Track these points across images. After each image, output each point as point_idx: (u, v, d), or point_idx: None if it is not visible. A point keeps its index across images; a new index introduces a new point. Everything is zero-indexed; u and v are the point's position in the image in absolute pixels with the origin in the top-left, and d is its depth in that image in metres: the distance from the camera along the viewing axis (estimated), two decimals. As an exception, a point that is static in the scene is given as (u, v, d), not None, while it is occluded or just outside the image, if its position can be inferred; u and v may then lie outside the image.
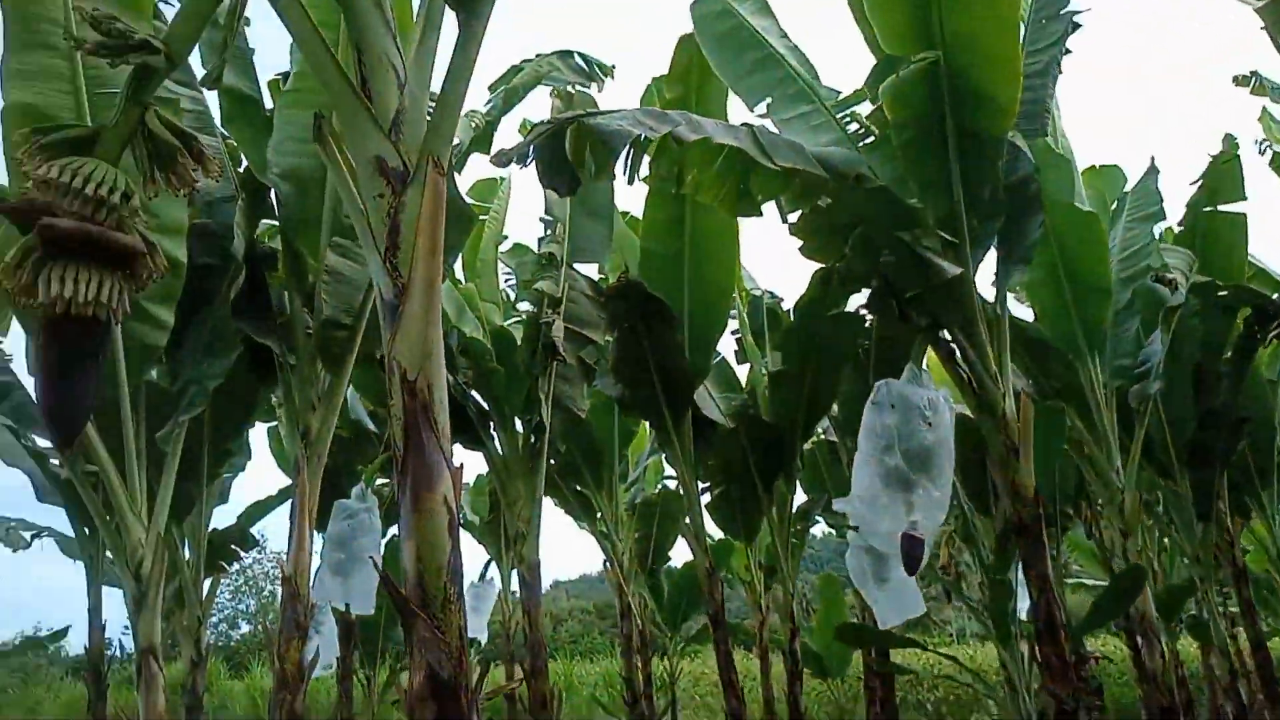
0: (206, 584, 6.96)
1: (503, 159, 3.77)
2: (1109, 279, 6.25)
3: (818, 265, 6.86)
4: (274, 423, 9.52)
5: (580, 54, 5.97)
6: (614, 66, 6.43)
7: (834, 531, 11.61)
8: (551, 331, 5.90)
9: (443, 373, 2.30)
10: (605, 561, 9.54)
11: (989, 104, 4.50)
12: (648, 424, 9.77)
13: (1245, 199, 7.37)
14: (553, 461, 9.28)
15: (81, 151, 1.93)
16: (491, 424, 6.27)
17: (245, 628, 27.26)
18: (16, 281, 1.81)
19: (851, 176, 4.13)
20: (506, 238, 7.47)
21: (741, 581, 11.06)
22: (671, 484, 12.92)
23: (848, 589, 11.79)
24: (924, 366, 5.20)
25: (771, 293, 8.39)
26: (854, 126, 5.37)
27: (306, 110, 4.87)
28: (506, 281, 7.41)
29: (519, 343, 6.37)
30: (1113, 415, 6.63)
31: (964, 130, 4.58)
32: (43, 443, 8.04)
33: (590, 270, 6.85)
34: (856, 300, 7.63)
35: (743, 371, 8.32)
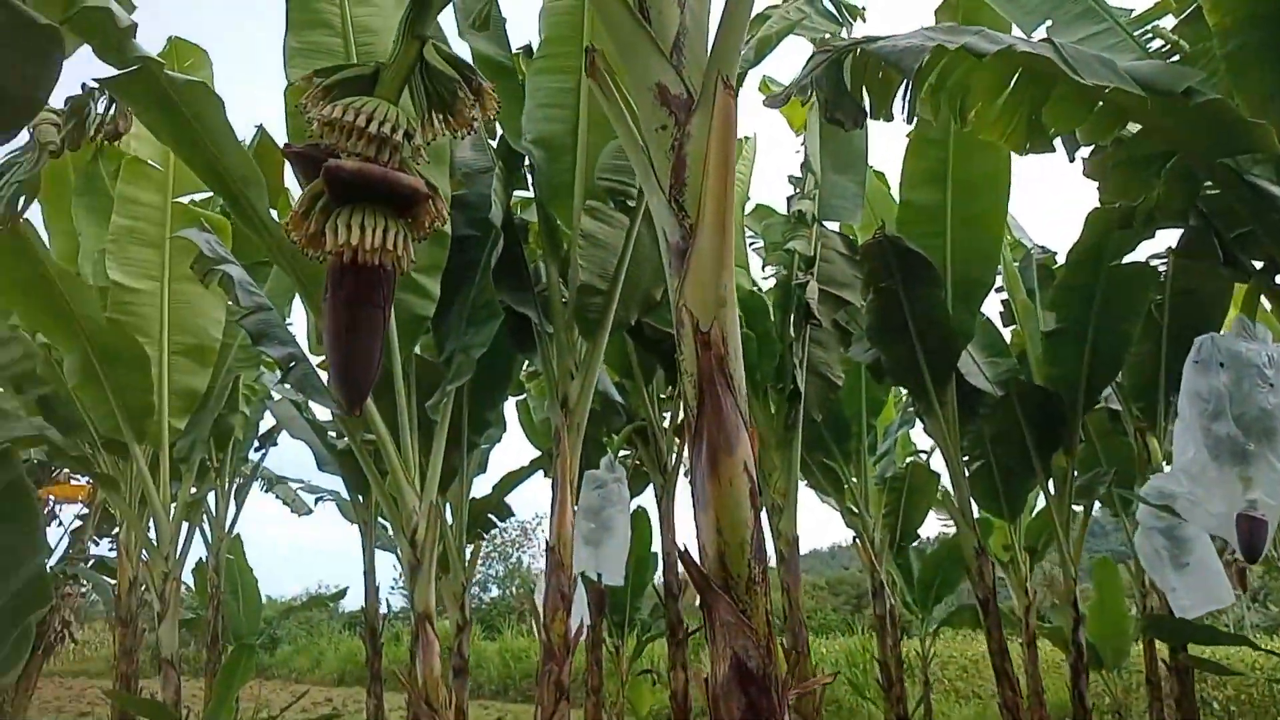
0: (468, 551, 7.22)
1: (779, 98, 3.46)
2: None
3: (1091, 209, 6.08)
4: (521, 396, 9.81)
5: (828, -7, 5.54)
6: (864, 8, 5.95)
7: (1108, 510, 10.50)
8: (805, 293, 5.55)
9: (736, 323, 2.04)
10: (855, 538, 9.10)
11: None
12: (903, 393, 9.24)
13: None
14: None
15: (361, 91, 1.83)
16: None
17: (495, 591, 28.96)
18: (304, 230, 1.73)
19: (1179, 92, 3.47)
20: (749, 199, 7.17)
21: (1000, 562, 10.28)
22: (920, 458, 12.28)
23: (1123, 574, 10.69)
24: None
25: (1043, 247, 7.57)
26: (1156, 44, 4.62)
27: (556, 77, 4.80)
28: (752, 246, 7.12)
29: (770, 308, 6.07)
30: None
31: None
32: (322, 415, 8.68)
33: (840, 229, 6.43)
34: (1145, 249, 6.74)
35: (1008, 334, 7.58)
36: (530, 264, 5.24)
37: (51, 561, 10.69)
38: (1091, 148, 4.25)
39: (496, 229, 4.63)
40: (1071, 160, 4.48)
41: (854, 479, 8.94)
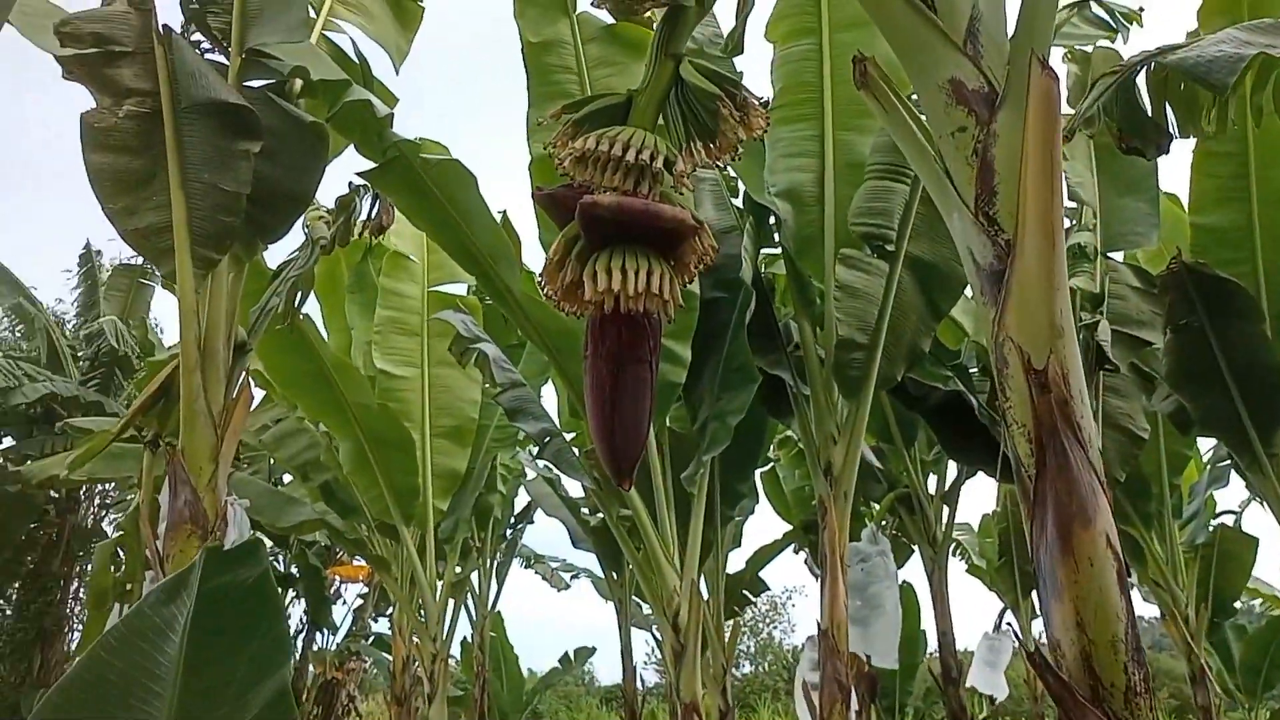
0: (728, 629, 6.88)
1: (1067, 130, 3.00)
2: None
3: None
4: (768, 465, 9.44)
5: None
6: (1142, 10, 5.29)
7: None
8: (1095, 335, 4.86)
9: (1079, 360, 1.62)
10: (1160, 615, 7.88)
11: None
12: (1204, 445, 8.04)
13: None
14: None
15: (614, 122, 1.64)
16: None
17: (747, 668, 28.15)
18: (559, 283, 1.54)
19: None
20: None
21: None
22: (1229, 519, 10.64)
23: None
24: None
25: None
26: None
27: (796, 126, 4.56)
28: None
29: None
30: None
31: None
32: (574, 491, 8.74)
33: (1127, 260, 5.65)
34: None
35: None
36: (780, 322, 4.95)
37: (338, 638, 11.45)
38: None
39: (747, 288, 4.40)
40: None
41: (1157, 546, 7.78)
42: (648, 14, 1.78)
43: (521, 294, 3.74)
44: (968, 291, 5.89)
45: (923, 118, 1.91)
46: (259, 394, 6.23)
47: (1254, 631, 9.74)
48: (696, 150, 1.72)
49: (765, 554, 8.77)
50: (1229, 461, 6.72)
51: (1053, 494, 1.52)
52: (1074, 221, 5.72)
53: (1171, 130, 3.14)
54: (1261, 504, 8.52)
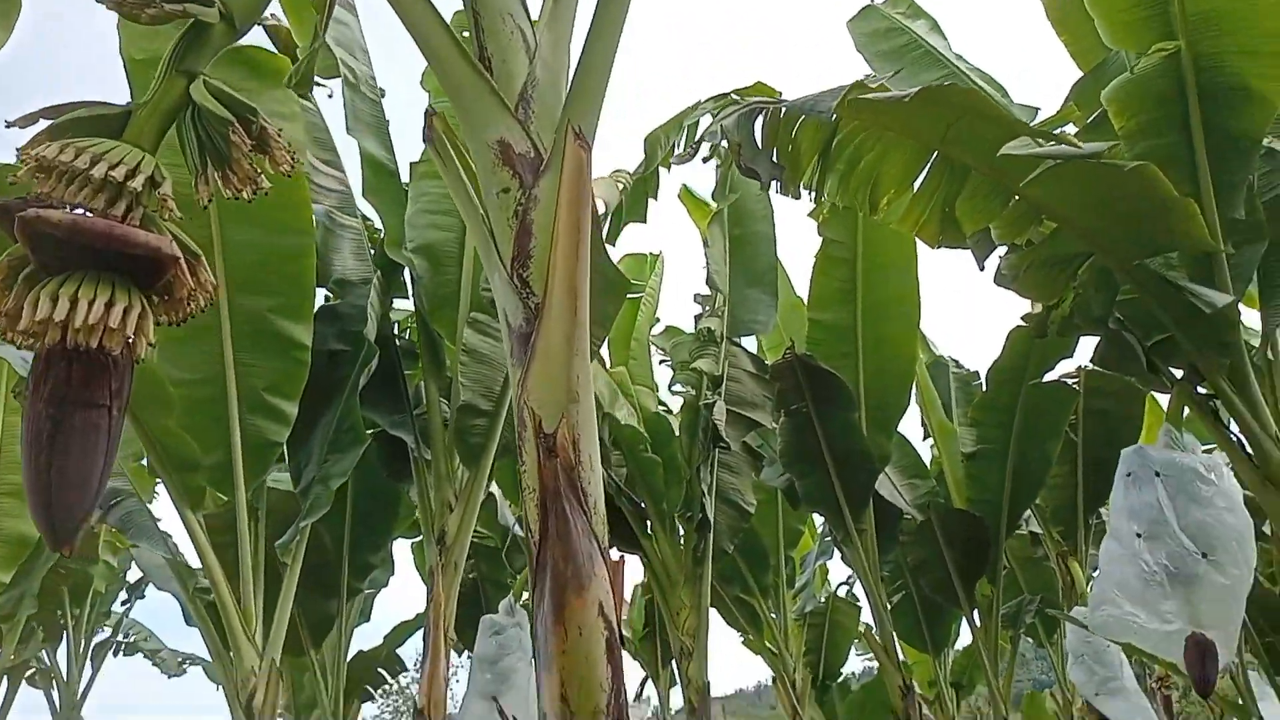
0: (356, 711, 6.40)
1: (684, 157, 3.17)
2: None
3: (1012, 326, 5.97)
4: (418, 536, 9.12)
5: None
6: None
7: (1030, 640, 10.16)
8: (713, 414, 5.20)
9: (594, 426, 1.63)
10: (773, 679, 8.49)
11: (1245, 100, 3.63)
12: (818, 521, 8.86)
13: None
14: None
15: (108, 133, 1.43)
16: (648, 524, 5.54)
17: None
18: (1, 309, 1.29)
19: (1101, 156, 3.28)
20: (659, 320, 6.90)
21: (924, 700, 9.79)
22: (841, 590, 11.80)
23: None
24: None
25: (956, 360, 7.44)
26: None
27: (439, 180, 4.49)
28: (663, 362, 6.78)
29: (676, 431, 5.69)
30: None
31: (1215, 133, 3.70)
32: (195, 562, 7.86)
33: (752, 347, 6.15)
34: (1063, 366, 6.62)
35: (926, 454, 7.32)
36: (413, 384, 4.79)
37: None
38: (1003, 251, 4.09)
39: (370, 344, 4.20)
40: (981, 268, 4.31)
41: (773, 615, 8.41)
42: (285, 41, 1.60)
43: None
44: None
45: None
46: None
47: (850, 697, 10.74)
48: (213, 178, 1.55)
49: (404, 630, 8.37)
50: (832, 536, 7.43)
51: (551, 560, 1.49)
52: (707, 307, 6.16)
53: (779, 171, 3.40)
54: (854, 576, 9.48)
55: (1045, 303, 4.07)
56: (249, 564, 3.56)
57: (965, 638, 9.28)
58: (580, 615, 1.47)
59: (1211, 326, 3.87)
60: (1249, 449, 3.89)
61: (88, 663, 8.99)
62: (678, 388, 5.65)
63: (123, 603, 9.77)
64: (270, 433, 3.75)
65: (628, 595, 12.36)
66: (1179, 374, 4.04)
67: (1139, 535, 3.39)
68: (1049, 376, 6.03)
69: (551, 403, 1.57)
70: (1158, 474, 3.48)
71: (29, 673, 9.63)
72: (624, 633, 11.78)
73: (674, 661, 5.32)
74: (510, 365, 1.69)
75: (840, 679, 11.18)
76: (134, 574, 9.31)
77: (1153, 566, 3.31)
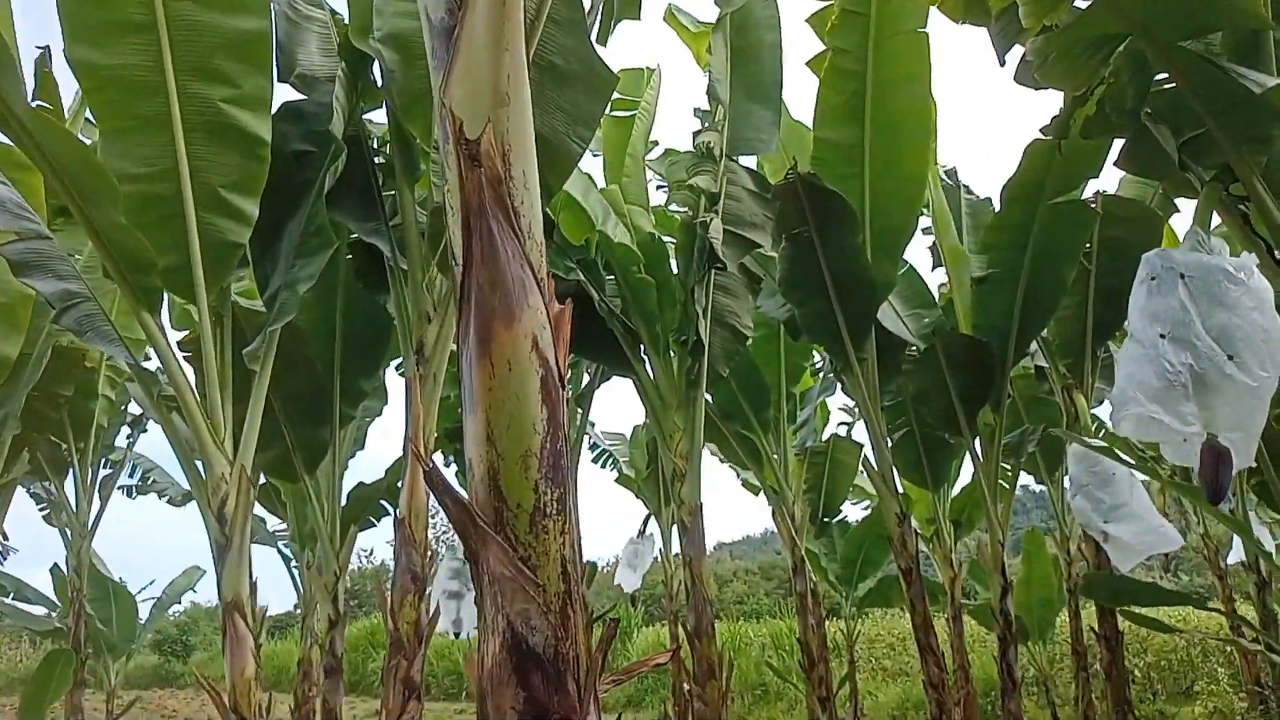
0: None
1: None
2: None
3: (1030, 141, 5.59)
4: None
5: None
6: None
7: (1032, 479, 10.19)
8: (709, 232, 4.92)
9: (529, 139, 1.37)
10: (773, 513, 8.54)
11: None
12: (822, 353, 8.70)
13: None
14: (709, 398, 8.38)
15: None
16: (642, 347, 5.35)
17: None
18: None
19: None
20: (657, 143, 6.51)
21: (924, 538, 9.92)
22: (842, 430, 11.80)
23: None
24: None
25: (968, 187, 7.08)
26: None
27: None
28: (660, 188, 6.46)
29: (671, 252, 5.42)
30: None
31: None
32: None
33: (754, 165, 5.79)
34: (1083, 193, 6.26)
35: (936, 287, 7.07)
36: (389, 191, 4.52)
37: None
38: (1025, 48, 3.72)
39: (337, 142, 3.90)
40: (1002, 63, 3.98)
41: (775, 455, 8.38)
42: None
43: (26, 113, 3.01)
44: (592, 172, 5.77)
45: None
46: None
47: (851, 530, 10.89)
48: None
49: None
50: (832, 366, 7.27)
51: (476, 287, 1.27)
52: (706, 123, 5.78)
53: None
54: (856, 408, 9.39)
55: (1073, 91, 3.71)
56: (214, 368, 3.40)
57: (965, 479, 9.33)
58: (510, 349, 1.25)
59: (1251, 118, 3.55)
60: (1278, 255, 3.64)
61: (95, 495, 9.09)
62: (674, 207, 5.34)
63: (126, 437, 9.83)
64: (230, 233, 3.50)
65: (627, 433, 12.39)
66: (1208, 177, 3.74)
67: (1162, 336, 3.18)
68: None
69: (474, 104, 1.30)
70: (1182, 276, 3.23)
71: (42, 511, 9.82)
72: (628, 471, 11.84)
73: (667, 484, 5.24)
74: (432, 69, 1.41)
75: (840, 516, 11.33)
76: (134, 409, 9.35)
77: (1176, 368, 3.10)
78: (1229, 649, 12.60)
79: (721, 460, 9.81)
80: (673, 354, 5.28)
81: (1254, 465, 5.62)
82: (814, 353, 8.70)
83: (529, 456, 1.23)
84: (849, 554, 10.97)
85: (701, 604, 4.80)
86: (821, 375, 9.70)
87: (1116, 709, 6.55)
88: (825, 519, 11.10)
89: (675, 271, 5.44)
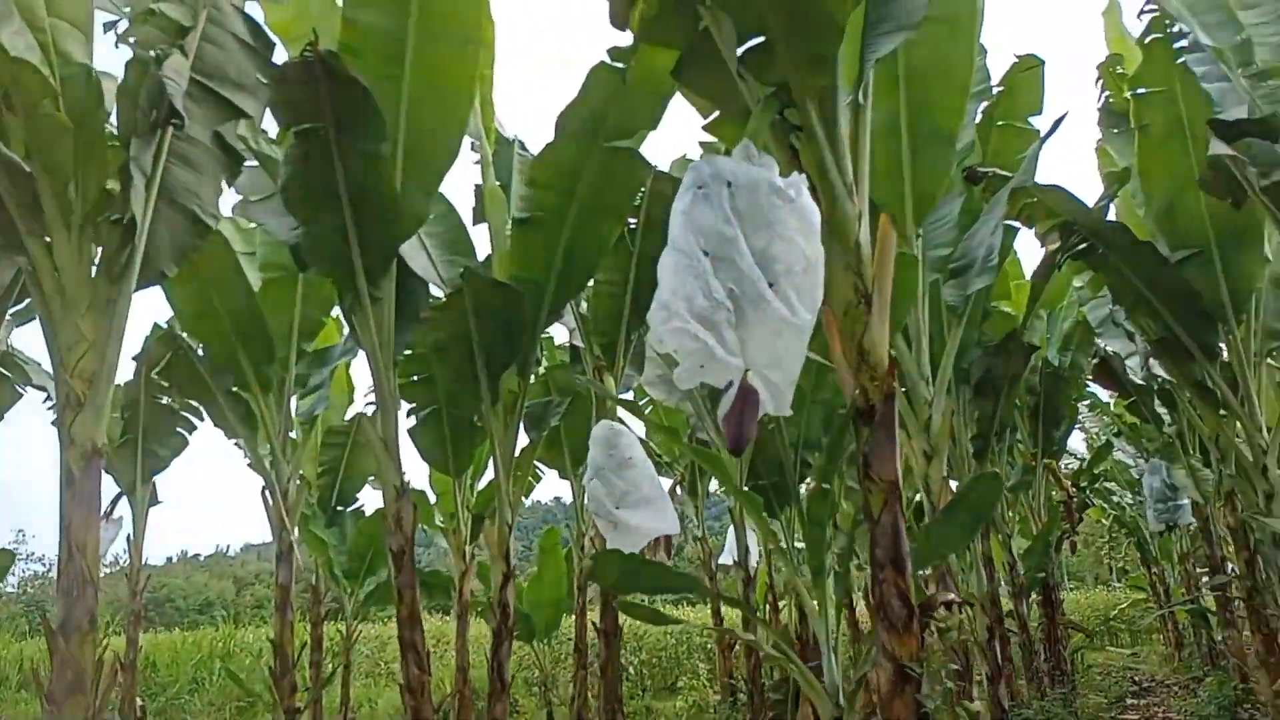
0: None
1: None
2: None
3: (594, 65, 4.96)
4: None
5: None
6: None
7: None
8: (163, 70, 3.51)
9: None
10: (262, 490, 7.09)
11: None
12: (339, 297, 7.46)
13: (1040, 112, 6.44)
14: (199, 349, 6.75)
15: None
16: (44, 216, 3.67)
17: None
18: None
19: None
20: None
21: (440, 530, 9.12)
22: (370, 409, 10.60)
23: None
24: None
25: (522, 143, 6.36)
26: None
27: None
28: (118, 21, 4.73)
29: (113, 95, 3.87)
30: (924, 312, 5.29)
31: None
32: None
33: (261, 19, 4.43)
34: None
35: (479, 238, 6.22)
36: None
37: None
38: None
39: None
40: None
41: (272, 416, 6.97)
42: None
43: None
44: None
45: None
46: None
47: (364, 520, 9.79)
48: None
49: None
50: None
51: None
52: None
53: None
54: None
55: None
56: None
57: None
58: None
59: (812, 32, 3.11)
60: (820, 196, 3.23)
61: None
62: (130, 39, 3.81)
63: None
64: None
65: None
66: (767, 92, 3.26)
67: (706, 254, 2.54)
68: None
69: None
70: (729, 184, 2.63)
71: None
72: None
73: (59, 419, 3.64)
74: None
75: (356, 505, 10.14)
76: None
77: (721, 291, 2.48)
78: (710, 647, 13.57)
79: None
80: (90, 232, 3.71)
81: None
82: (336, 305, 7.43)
83: None
84: (359, 546, 9.78)
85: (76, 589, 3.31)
86: (345, 338, 8.41)
87: (607, 705, 6.17)
88: (339, 506, 9.88)
89: (107, 119, 3.91)
